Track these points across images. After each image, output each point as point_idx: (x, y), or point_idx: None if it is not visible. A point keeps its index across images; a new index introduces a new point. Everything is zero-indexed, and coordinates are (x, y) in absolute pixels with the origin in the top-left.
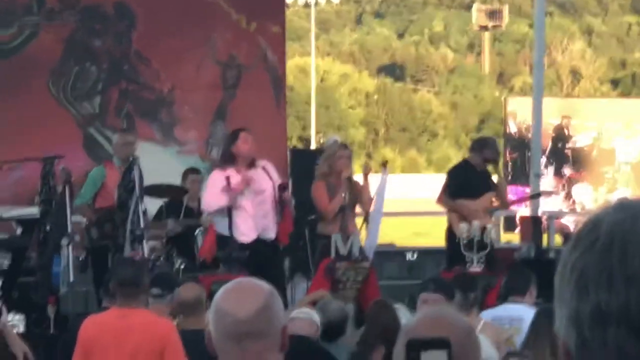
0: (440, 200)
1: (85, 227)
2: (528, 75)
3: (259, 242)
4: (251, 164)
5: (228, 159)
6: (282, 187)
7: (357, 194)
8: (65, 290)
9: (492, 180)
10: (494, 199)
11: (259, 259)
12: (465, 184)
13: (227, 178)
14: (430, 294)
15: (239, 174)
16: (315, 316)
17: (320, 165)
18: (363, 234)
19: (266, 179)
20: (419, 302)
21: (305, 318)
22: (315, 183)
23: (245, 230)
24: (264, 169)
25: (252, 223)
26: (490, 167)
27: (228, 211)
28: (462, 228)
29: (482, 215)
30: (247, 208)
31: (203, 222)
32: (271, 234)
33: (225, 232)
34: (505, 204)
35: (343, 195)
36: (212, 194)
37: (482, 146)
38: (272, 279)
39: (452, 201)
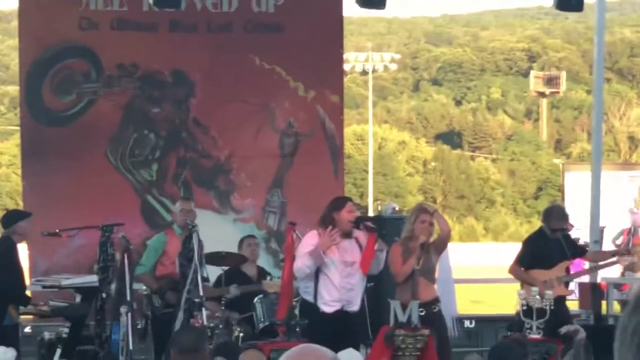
0: (512, 270)
1: (146, 295)
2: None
3: (340, 312)
4: (347, 235)
5: (328, 222)
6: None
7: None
8: (124, 358)
9: (570, 248)
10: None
11: (337, 329)
12: (538, 254)
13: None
14: None
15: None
16: None
17: (404, 229)
18: None
19: (357, 251)
20: None
21: None
22: (392, 246)
23: (329, 300)
24: (356, 240)
25: (337, 294)
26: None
27: (315, 279)
28: (520, 295)
29: (555, 285)
30: (333, 278)
31: (264, 286)
32: (355, 307)
33: (310, 299)
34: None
35: (419, 259)
36: (301, 256)
37: (547, 216)
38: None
39: (523, 271)
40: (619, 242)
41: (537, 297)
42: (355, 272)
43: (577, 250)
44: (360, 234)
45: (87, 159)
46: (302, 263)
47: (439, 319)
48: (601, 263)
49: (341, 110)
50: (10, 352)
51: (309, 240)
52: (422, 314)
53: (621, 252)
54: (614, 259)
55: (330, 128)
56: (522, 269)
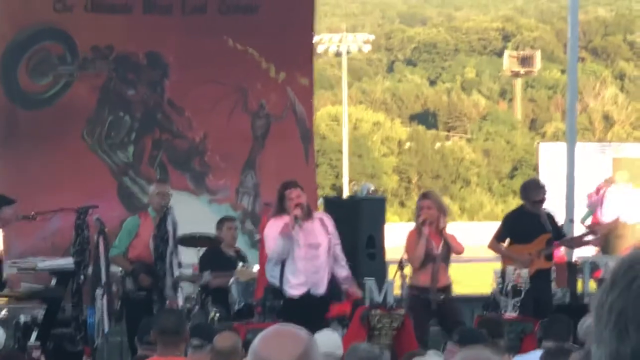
0: (491, 245)
1: (120, 277)
2: (560, 121)
3: (307, 296)
4: (308, 216)
5: (280, 209)
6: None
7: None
8: (100, 341)
9: (553, 227)
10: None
11: (304, 312)
12: (518, 229)
13: (285, 225)
14: (454, 346)
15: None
16: None
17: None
18: (398, 282)
19: (322, 233)
20: (445, 352)
21: None
22: (409, 232)
23: (295, 284)
24: (321, 221)
25: (303, 278)
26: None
27: (281, 262)
28: (509, 271)
29: (535, 259)
30: (298, 262)
31: (237, 273)
32: (321, 290)
33: (276, 283)
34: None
35: (436, 245)
36: (273, 240)
37: (525, 191)
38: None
39: (502, 246)
40: (587, 223)
41: (513, 275)
42: (320, 255)
43: (556, 231)
44: (324, 216)
45: (63, 142)
46: (274, 245)
47: (456, 303)
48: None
49: (311, 94)
50: (1, 331)
51: (273, 224)
52: (442, 298)
53: (593, 231)
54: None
55: (300, 111)
56: (502, 244)
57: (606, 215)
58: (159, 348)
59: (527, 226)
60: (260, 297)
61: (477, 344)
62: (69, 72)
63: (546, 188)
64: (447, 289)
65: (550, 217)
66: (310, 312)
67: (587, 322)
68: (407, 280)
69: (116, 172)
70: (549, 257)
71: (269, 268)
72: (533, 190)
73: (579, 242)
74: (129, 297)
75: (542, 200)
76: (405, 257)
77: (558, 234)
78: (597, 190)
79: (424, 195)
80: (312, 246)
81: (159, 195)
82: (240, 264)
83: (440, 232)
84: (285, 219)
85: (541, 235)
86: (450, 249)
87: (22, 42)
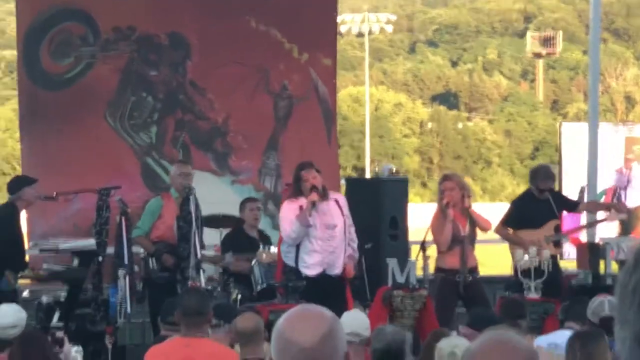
0: (497, 230)
1: (142, 258)
2: (582, 102)
3: (323, 276)
4: (324, 197)
5: (296, 191)
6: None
7: (477, 222)
8: (122, 321)
9: (560, 206)
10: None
11: (323, 292)
12: (526, 214)
13: (300, 207)
14: (466, 329)
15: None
16: None
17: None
18: (420, 263)
19: (338, 213)
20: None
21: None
22: (434, 215)
23: (311, 264)
24: (336, 202)
25: (319, 258)
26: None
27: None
28: (518, 255)
29: (544, 245)
30: (314, 242)
31: (258, 255)
32: (337, 271)
33: (292, 263)
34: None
35: (462, 227)
36: (289, 223)
37: (534, 176)
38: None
39: (509, 231)
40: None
41: (526, 258)
42: (336, 235)
43: (568, 205)
44: (338, 197)
45: (86, 123)
46: (289, 228)
47: (482, 285)
48: (598, 218)
49: (334, 74)
50: (24, 313)
51: (289, 206)
52: (470, 279)
53: (617, 206)
54: (608, 213)
55: (323, 92)
56: (509, 229)
57: (630, 197)
58: (182, 329)
59: (535, 212)
60: (281, 279)
61: (489, 326)
62: (91, 53)
63: (554, 178)
64: (474, 270)
65: (557, 197)
66: (328, 292)
67: (595, 303)
68: (432, 261)
69: (139, 153)
70: (558, 244)
71: (284, 249)
72: (541, 178)
73: (601, 207)
74: (152, 278)
75: (548, 190)
76: (431, 238)
77: (572, 206)
78: (621, 170)
79: (446, 177)
80: (329, 226)
81: (181, 176)
82: (261, 246)
83: (465, 213)
84: (301, 201)
85: (550, 221)
86: (475, 229)
87: (43, 23)
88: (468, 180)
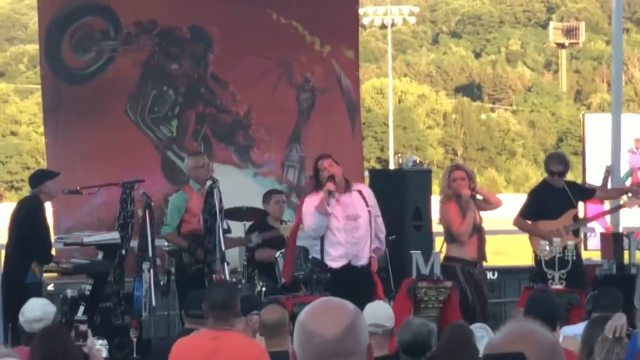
0: (516, 222)
1: (172, 252)
2: (606, 92)
3: (349, 268)
4: (346, 188)
5: (316, 184)
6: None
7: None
8: (147, 314)
9: (577, 194)
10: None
11: (348, 284)
12: (543, 205)
13: (321, 200)
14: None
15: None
16: None
17: (442, 188)
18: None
19: (362, 204)
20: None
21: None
22: (443, 204)
23: (335, 256)
24: (360, 193)
25: (343, 250)
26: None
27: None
28: (542, 246)
29: (563, 235)
30: (338, 234)
31: (282, 230)
32: (362, 262)
33: (318, 256)
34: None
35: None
36: (310, 216)
37: (547, 162)
38: (359, 303)
39: (528, 223)
40: (628, 183)
41: (547, 248)
42: (360, 226)
43: (585, 193)
44: (362, 188)
45: (107, 116)
46: (310, 221)
47: (486, 274)
48: (621, 203)
49: (356, 66)
50: (52, 307)
51: (310, 201)
52: (481, 269)
53: (634, 189)
54: (626, 198)
55: (346, 84)
56: (527, 220)
57: None
58: (209, 322)
59: (553, 202)
60: (287, 281)
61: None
62: (112, 47)
63: (569, 164)
64: (484, 259)
65: (573, 187)
66: (354, 283)
67: None
68: (453, 252)
69: (160, 146)
70: (577, 233)
71: (308, 243)
72: (553, 162)
73: (619, 194)
74: (185, 272)
75: (558, 173)
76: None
77: (589, 193)
78: (632, 150)
79: (456, 167)
80: (351, 217)
81: (194, 168)
82: (284, 221)
83: (474, 197)
84: (322, 194)
85: (568, 211)
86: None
87: (65, 17)
88: (492, 171)
